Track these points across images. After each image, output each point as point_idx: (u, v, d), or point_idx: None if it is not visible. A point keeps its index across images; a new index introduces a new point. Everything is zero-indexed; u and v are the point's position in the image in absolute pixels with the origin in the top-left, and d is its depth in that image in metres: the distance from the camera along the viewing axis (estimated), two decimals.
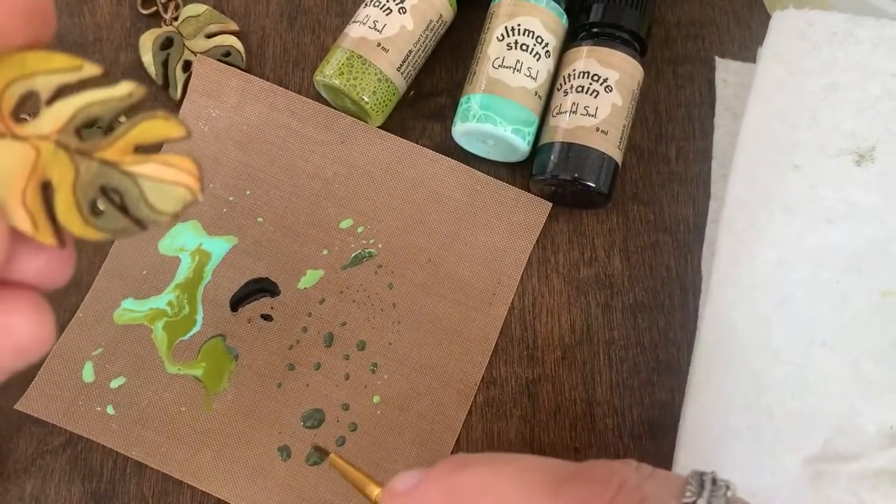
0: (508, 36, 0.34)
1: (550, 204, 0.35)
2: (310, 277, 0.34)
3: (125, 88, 0.15)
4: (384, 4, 0.34)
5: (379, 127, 0.36)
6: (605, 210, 0.35)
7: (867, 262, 0.29)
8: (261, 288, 0.34)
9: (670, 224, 0.35)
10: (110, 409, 0.32)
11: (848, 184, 0.30)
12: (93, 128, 0.15)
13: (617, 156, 0.33)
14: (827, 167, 0.30)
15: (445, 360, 0.33)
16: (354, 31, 0.34)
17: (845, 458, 0.26)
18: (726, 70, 0.37)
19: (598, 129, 0.33)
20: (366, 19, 0.34)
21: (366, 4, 0.35)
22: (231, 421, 0.32)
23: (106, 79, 0.15)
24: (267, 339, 0.33)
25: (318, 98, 0.36)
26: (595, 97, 0.33)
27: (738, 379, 0.29)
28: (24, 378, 0.32)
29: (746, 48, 0.37)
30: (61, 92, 0.14)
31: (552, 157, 0.33)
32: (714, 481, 0.19)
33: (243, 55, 0.36)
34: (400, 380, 0.33)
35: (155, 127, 0.15)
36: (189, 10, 0.37)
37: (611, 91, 0.33)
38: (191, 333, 0.33)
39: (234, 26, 0.37)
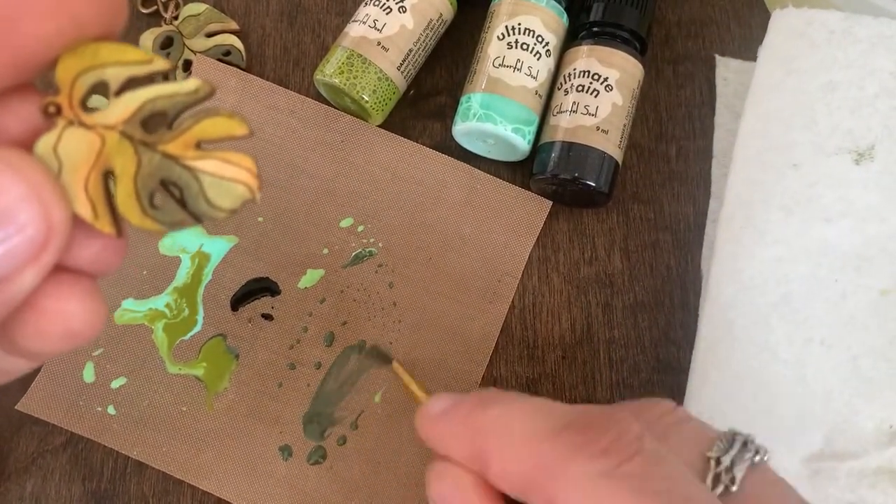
0: (509, 35, 0.34)
1: (550, 203, 0.35)
2: (310, 277, 0.34)
3: (192, 84, 0.15)
4: (384, 3, 0.34)
5: (379, 126, 0.36)
6: (605, 209, 0.36)
7: (866, 260, 0.29)
8: (261, 287, 0.34)
9: (671, 223, 0.36)
10: (111, 409, 0.32)
11: (847, 182, 0.30)
12: (157, 121, 0.15)
13: (617, 155, 0.34)
14: (826, 165, 0.30)
15: (446, 358, 0.33)
16: (354, 30, 0.34)
17: (844, 456, 0.27)
18: (727, 68, 0.37)
19: (598, 129, 0.33)
20: (366, 18, 0.34)
21: (366, 3, 0.35)
22: (232, 420, 0.32)
23: (174, 74, 0.15)
24: (268, 338, 0.33)
25: (319, 97, 0.36)
26: (595, 96, 0.33)
27: (737, 377, 0.29)
28: (24, 378, 0.32)
29: (747, 47, 0.38)
30: (130, 84, 0.15)
31: (552, 157, 0.33)
32: (745, 443, 0.20)
33: (243, 54, 0.37)
34: (400, 379, 0.33)
35: (218, 124, 0.15)
36: (189, 9, 0.37)
37: (611, 90, 0.34)
38: (191, 333, 0.33)
39: (234, 25, 0.37)
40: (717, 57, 0.38)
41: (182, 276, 0.34)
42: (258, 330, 0.33)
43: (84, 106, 0.15)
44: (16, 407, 0.32)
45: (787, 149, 0.31)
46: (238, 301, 0.34)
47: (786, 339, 0.29)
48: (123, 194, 0.15)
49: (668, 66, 0.38)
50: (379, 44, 0.34)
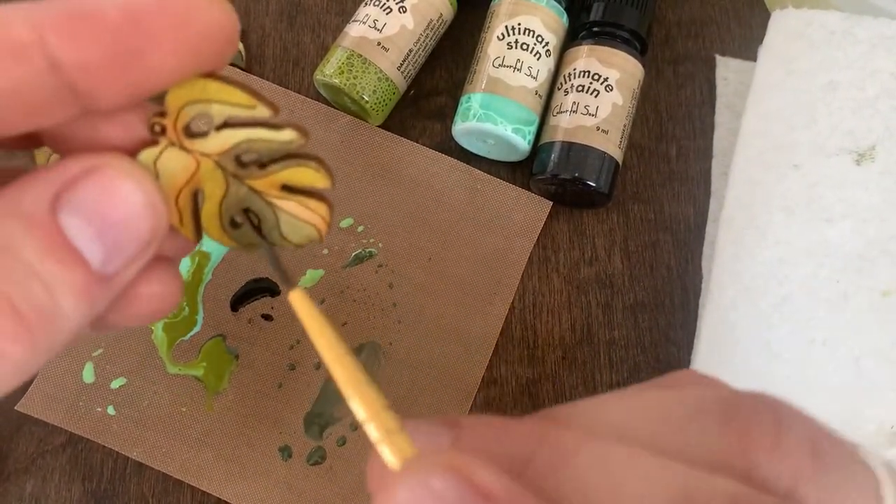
0: (509, 35, 0.34)
1: (551, 203, 0.35)
2: (310, 277, 0.34)
3: (288, 135, 0.17)
4: (384, 3, 0.34)
5: (379, 126, 0.36)
6: (605, 209, 0.36)
7: (867, 261, 0.30)
8: (261, 288, 0.34)
9: (671, 223, 0.36)
10: (111, 410, 0.32)
11: (847, 183, 0.30)
12: (250, 157, 0.17)
13: (617, 155, 0.34)
14: (826, 166, 0.31)
15: (446, 359, 0.34)
16: (354, 30, 0.35)
17: None
18: (727, 68, 0.37)
19: (598, 129, 0.33)
20: (366, 18, 0.35)
21: (366, 3, 0.35)
22: (232, 421, 0.33)
23: (274, 120, 0.17)
24: (267, 338, 0.34)
25: (318, 97, 0.37)
26: (595, 96, 0.34)
27: (738, 378, 0.29)
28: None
29: (747, 46, 0.38)
30: (231, 122, 0.16)
31: (552, 157, 0.34)
32: None
33: (243, 54, 0.37)
34: (400, 379, 0.33)
35: (305, 174, 0.17)
36: None
37: (611, 90, 0.34)
38: (191, 334, 0.34)
39: None
40: (718, 57, 0.38)
41: (182, 275, 0.34)
42: (258, 330, 0.34)
43: (186, 132, 0.16)
44: (16, 407, 0.32)
45: (788, 149, 0.31)
46: (238, 301, 0.34)
47: (787, 341, 0.30)
48: (208, 213, 0.17)
49: (668, 65, 0.38)
50: (379, 44, 0.34)
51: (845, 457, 0.14)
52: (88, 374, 0.33)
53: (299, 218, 0.18)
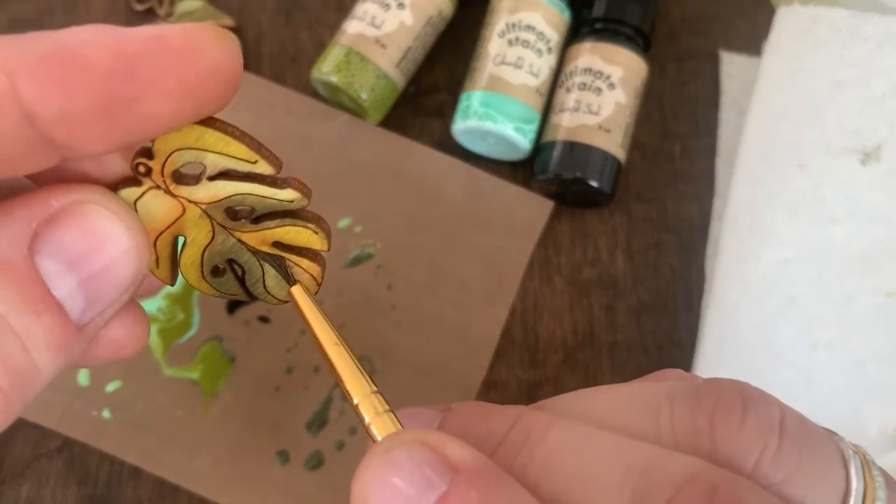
0: (510, 32, 0.35)
1: (552, 203, 0.36)
2: None
3: (290, 195, 0.16)
4: (383, 0, 0.35)
5: (377, 124, 0.37)
6: (608, 209, 0.36)
7: (872, 262, 0.30)
8: None
9: (674, 223, 0.36)
10: (106, 413, 0.33)
11: (853, 183, 0.31)
12: (242, 210, 0.16)
13: (620, 154, 0.34)
14: (832, 166, 0.31)
15: (446, 362, 0.34)
16: (352, 27, 0.35)
17: None
18: (731, 64, 0.38)
19: (601, 128, 0.34)
20: (364, 15, 0.35)
21: (364, 0, 0.36)
22: (229, 425, 0.33)
23: (275, 177, 0.16)
24: (264, 341, 0.34)
25: (316, 95, 0.37)
26: (598, 94, 0.34)
27: (740, 379, 0.30)
28: None
29: (752, 43, 0.38)
30: (226, 173, 0.15)
31: (554, 156, 0.34)
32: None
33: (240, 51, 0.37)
34: (400, 382, 0.34)
35: (301, 235, 0.16)
36: (184, 5, 0.38)
37: (614, 88, 0.34)
38: (187, 336, 0.34)
39: (229, 22, 0.38)
40: (723, 53, 0.38)
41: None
42: (255, 333, 0.34)
43: (175, 178, 0.15)
44: None
45: (794, 148, 0.32)
46: (234, 303, 0.35)
47: (791, 342, 0.30)
48: (188, 259, 0.16)
49: (672, 62, 0.39)
50: (377, 41, 0.34)
51: (811, 436, 0.15)
52: (83, 378, 0.33)
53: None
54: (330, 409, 0.33)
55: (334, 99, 0.37)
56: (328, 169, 0.36)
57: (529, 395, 0.34)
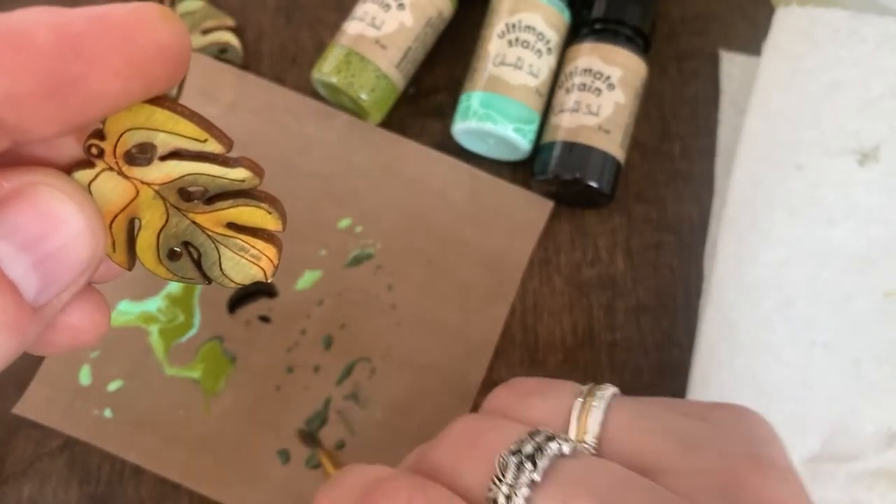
0: (509, 32, 0.35)
1: (552, 203, 0.36)
2: (308, 278, 0.35)
3: (241, 174, 0.16)
4: (383, 0, 0.35)
5: (378, 125, 0.37)
6: (607, 209, 0.37)
7: (870, 262, 0.31)
8: (258, 289, 0.35)
9: (674, 223, 0.37)
10: (108, 413, 0.33)
11: (851, 184, 0.31)
12: (194, 191, 0.16)
13: (620, 155, 0.35)
14: (830, 167, 0.31)
15: (446, 362, 0.34)
16: (352, 27, 0.35)
17: (843, 458, 0.28)
18: (731, 64, 0.38)
19: (600, 128, 0.34)
20: (364, 16, 0.35)
21: (364, 0, 0.36)
22: (230, 424, 0.34)
23: (226, 156, 0.16)
24: (265, 341, 0.35)
25: (316, 95, 0.37)
26: (598, 95, 0.35)
27: (738, 379, 0.30)
28: (21, 381, 0.33)
29: (752, 43, 0.39)
30: (177, 153, 0.16)
31: (554, 157, 0.34)
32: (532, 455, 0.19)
33: (241, 51, 0.38)
34: (400, 382, 0.34)
35: (255, 215, 0.17)
36: (185, 6, 0.38)
37: (614, 89, 0.35)
38: (188, 336, 0.35)
39: (230, 22, 0.38)
40: (723, 52, 0.39)
41: (175, 284, 0.35)
42: (255, 333, 0.35)
43: (127, 159, 0.16)
44: (12, 410, 0.33)
45: (792, 148, 0.32)
46: (235, 303, 0.35)
47: (788, 342, 0.31)
48: (144, 242, 0.17)
49: (672, 63, 0.39)
50: (377, 42, 0.35)
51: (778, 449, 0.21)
52: (85, 377, 0.34)
53: (243, 258, 0.17)
54: (330, 409, 0.34)
55: (334, 99, 0.37)
56: (328, 169, 0.37)
57: None
